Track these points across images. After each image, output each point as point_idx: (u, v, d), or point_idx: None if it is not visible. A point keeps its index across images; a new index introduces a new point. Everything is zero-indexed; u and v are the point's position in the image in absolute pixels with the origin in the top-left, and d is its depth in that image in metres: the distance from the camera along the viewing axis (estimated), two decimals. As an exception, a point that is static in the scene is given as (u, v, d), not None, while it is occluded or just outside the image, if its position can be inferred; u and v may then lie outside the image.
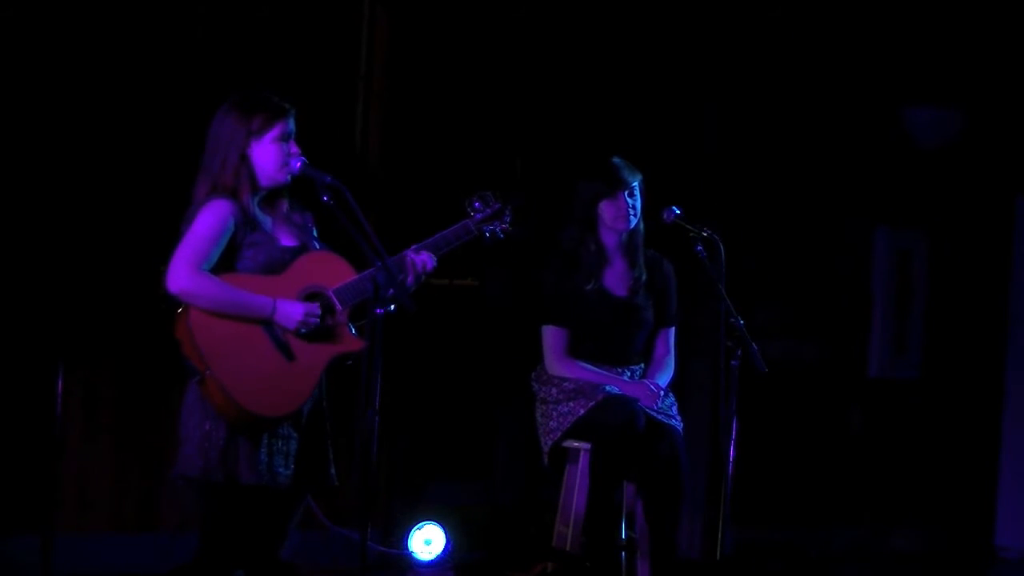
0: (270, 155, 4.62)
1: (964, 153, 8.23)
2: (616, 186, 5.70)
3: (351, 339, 4.65)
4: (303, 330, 4.54)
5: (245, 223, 4.59)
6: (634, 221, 5.74)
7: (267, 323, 4.54)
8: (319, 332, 4.59)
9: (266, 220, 4.68)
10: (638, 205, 5.73)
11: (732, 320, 5.36)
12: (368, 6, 7.05)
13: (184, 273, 4.47)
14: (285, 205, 4.74)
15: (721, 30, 7.47)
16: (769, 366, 5.37)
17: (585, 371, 5.72)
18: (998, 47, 8.02)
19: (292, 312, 4.53)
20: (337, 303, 4.64)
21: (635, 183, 5.73)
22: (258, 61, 6.56)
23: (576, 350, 5.76)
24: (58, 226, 6.25)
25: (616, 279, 5.81)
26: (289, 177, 4.65)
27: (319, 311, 4.57)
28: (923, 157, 8.19)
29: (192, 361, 4.49)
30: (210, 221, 4.53)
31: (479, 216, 4.93)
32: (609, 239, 5.79)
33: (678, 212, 5.67)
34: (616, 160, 5.77)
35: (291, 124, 4.65)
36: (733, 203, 7.43)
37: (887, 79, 7.96)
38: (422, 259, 4.75)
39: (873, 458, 8.19)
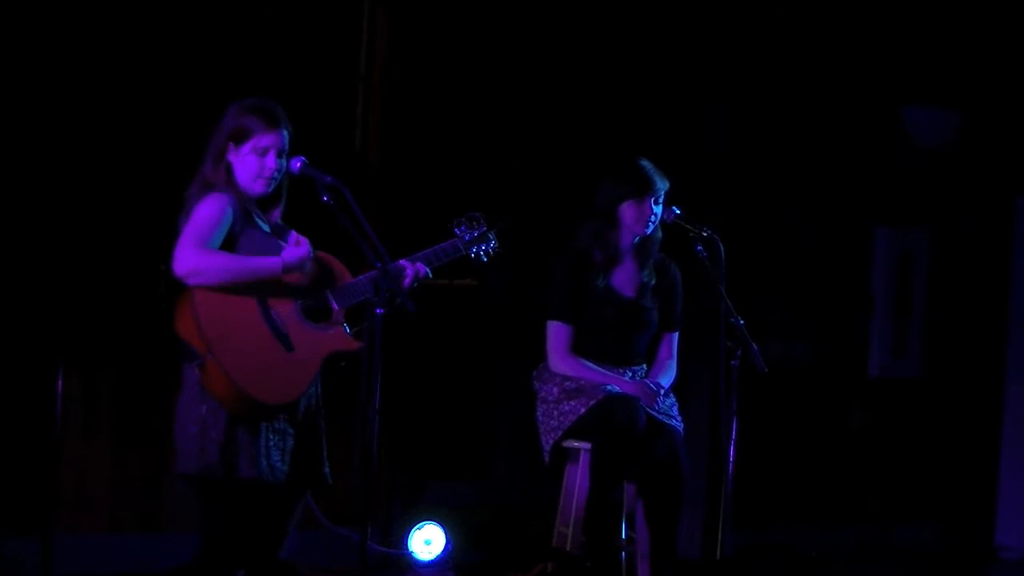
0: (245, 165, 4.66)
1: (964, 153, 8.24)
2: (646, 190, 5.68)
3: (346, 339, 4.67)
4: (307, 266, 4.57)
5: (243, 217, 4.61)
6: (652, 228, 5.73)
7: (268, 312, 4.56)
8: (316, 320, 4.61)
9: (263, 224, 4.71)
10: (659, 212, 5.71)
11: (732, 320, 5.36)
12: (368, 6, 7.05)
13: (190, 252, 4.50)
14: (277, 215, 4.80)
15: (721, 30, 7.47)
16: (769, 366, 5.37)
17: (587, 370, 5.72)
18: (998, 48, 8.02)
19: (297, 251, 4.58)
20: (334, 303, 4.66)
21: (663, 191, 5.71)
22: (258, 60, 6.56)
23: (580, 348, 5.76)
24: (58, 226, 6.25)
25: (625, 279, 5.81)
26: (263, 190, 4.68)
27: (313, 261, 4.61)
28: (923, 157, 8.20)
29: (194, 346, 4.50)
30: (210, 209, 4.57)
31: (467, 238, 5.00)
32: (624, 239, 5.77)
33: (678, 212, 5.67)
34: (646, 163, 5.74)
35: (274, 138, 4.64)
36: (733, 203, 7.44)
37: (887, 79, 7.96)
38: (417, 267, 4.79)
39: (873, 458, 8.20)
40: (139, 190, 6.33)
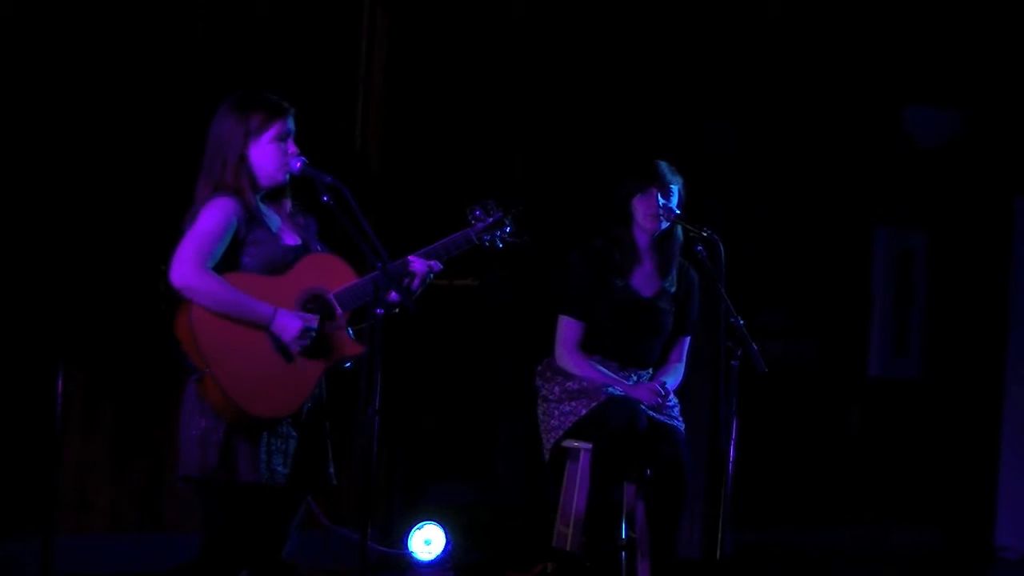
0: (268, 155, 4.62)
1: (964, 153, 8.25)
2: (649, 182, 5.69)
3: (350, 344, 4.65)
4: (295, 347, 4.54)
5: (249, 220, 4.59)
6: (664, 223, 5.71)
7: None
8: (317, 339, 4.59)
9: (274, 219, 4.68)
10: (671, 207, 5.69)
11: (732, 320, 5.36)
12: (368, 6, 7.05)
13: (188, 268, 4.47)
14: (289, 204, 4.75)
15: (720, 30, 7.47)
16: (769, 366, 5.37)
17: (592, 370, 5.71)
18: (998, 48, 8.03)
19: (290, 325, 4.52)
20: (337, 307, 4.63)
21: (672, 185, 5.71)
22: (258, 61, 6.56)
23: (590, 345, 5.75)
24: (58, 226, 6.25)
25: (644, 279, 5.80)
26: (288, 176, 4.65)
27: (316, 326, 4.57)
28: (923, 157, 8.20)
29: (192, 359, 4.49)
30: (214, 218, 4.54)
31: (480, 225, 4.94)
32: (641, 238, 5.77)
33: (678, 212, 5.68)
34: (658, 161, 5.76)
35: (290, 123, 4.65)
36: (733, 203, 7.44)
37: (887, 79, 7.97)
38: (430, 264, 4.75)
39: (873, 458, 8.20)
40: (140, 189, 6.34)
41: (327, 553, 6.60)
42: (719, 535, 5.53)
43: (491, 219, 4.95)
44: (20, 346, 6.14)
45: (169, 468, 4.74)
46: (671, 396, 5.78)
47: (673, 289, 5.82)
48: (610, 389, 5.65)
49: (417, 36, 7.08)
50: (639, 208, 5.73)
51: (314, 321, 4.56)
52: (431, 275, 4.77)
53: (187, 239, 4.53)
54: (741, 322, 5.34)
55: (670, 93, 7.42)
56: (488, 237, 4.95)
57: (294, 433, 4.61)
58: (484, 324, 7.22)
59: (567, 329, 5.75)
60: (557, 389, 5.71)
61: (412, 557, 6.90)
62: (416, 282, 4.74)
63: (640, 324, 5.76)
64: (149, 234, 6.03)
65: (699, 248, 5.50)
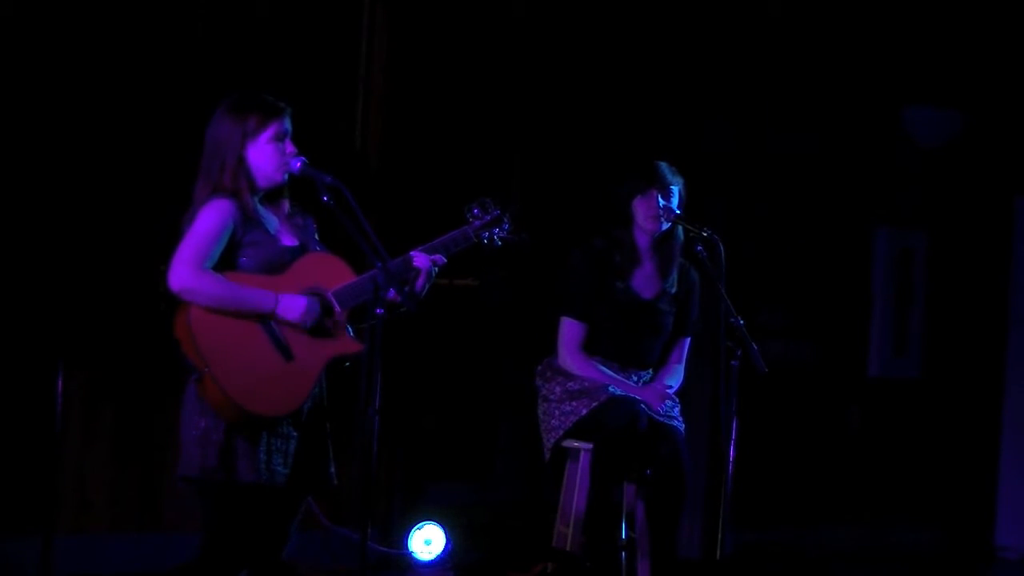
0: (266, 156, 4.62)
1: (964, 153, 8.25)
2: (649, 183, 5.68)
3: (349, 341, 4.65)
4: (308, 323, 4.54)
5: (245, 221, 4.59)
6: (664, 224, 5.71)
7: (267, 322, 4.54)
8: (317, 332, 4.59)
9: (271, 220, 4.68)
10: (672, 207, 5.68)
11: (732, 320, 5.35)
12: (368, 6, 7.05)
13: (186, 271, 4.47)
14: (286, 205, 4.75)
15: (720, 30, 7.47)
16: (769, 366, 5.37)
17: (594, 370, 5.70)
18: (998, 48, 8.03)
19: (295, 305, 4.54)
20: (336, 305, 4.64)
21: (672, 186, 5.70)
22: (258, 61, 6.56)
23: (591, 346, 5.75)
24: (58, 226, 6.25)
25: (644, 281, 5.79)
26: (286, 177, 4.66)
27: (319, 306, 4.58)
28: (923, 157, 8.20)
29: (191, 359, 4.49)
30: (211, 219, 4.54)
31: (478, 223, 4.94)
32: (641, 240, 5.77)
33: (678, 212, 5.67)
34: (658, 162, 5.75)
35: (286, 123, 4.65)
36: (733, 202, 7.44)
37: (887, 79, 7.97)
38: (433, 258, 4.75)
39: (873, 458, 8.20)
40: (139, 190, 6.33)
41: (327, 553, 6.60)
42: (719, 535, 5.53)
43: (489, 217, 4.96)
44: (20, 346, 6.13)
45: (169, 468, 4.74)
46: (672, 397, 5.79)
47: (674, 290, 5.82)
48: (611, 389, 5.65)
49: (417, 36, 7.08)
50: (639, 209, 5.72)
51: (316, 302, 4.57)
52: (435, 270, 4.77)
53: (184, 243, 4.53)
54: (741, 322, 5.34)
55: (670, 93, 7.42)
56: (486, 235, 4.96)
57: (294, 433, 4.61)
58: (484, 324, 7.22)
59: (568, 330, 5.75)
60: (558, 389, 5.70)
61: (412, 557, 6.90)
62: (421, 280, 4.74)
63: (640, 325, 5.76)
64: (149, 234, 6.03)
65: (699, 248, 5.50)
